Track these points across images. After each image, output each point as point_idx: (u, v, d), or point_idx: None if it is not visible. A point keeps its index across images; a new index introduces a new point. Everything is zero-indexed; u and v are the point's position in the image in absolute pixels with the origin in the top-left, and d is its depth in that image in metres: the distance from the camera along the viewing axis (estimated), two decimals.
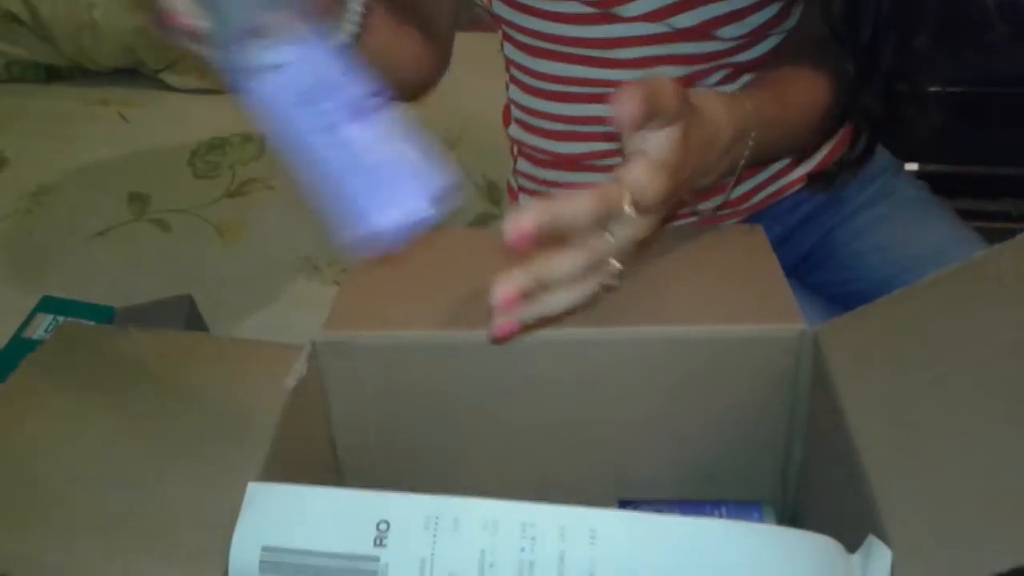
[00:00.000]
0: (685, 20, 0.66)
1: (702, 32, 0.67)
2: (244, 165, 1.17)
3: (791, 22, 0.70)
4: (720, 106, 0.53)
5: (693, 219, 0.72)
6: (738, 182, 0.75)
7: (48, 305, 0.86)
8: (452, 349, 0.53)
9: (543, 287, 0.45)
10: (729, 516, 0.53)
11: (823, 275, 0.79)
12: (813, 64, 0.65)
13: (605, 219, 0.46)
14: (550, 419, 0.54)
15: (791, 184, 0.78)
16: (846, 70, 0.64)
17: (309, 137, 0.46)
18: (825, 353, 0.48)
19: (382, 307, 0.55)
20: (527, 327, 0.48)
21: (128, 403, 0.48)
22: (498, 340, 0.49)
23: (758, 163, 0.66)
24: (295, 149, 0.46)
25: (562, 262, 0.45)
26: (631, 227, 0.48)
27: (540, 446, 0.55)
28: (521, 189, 0.83)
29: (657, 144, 0.48)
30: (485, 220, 1.08)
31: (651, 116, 0.45)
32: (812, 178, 0.77)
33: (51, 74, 1.40)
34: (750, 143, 0.57)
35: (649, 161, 0.47)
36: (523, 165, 0.81)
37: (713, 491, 0.55)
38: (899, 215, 0.79)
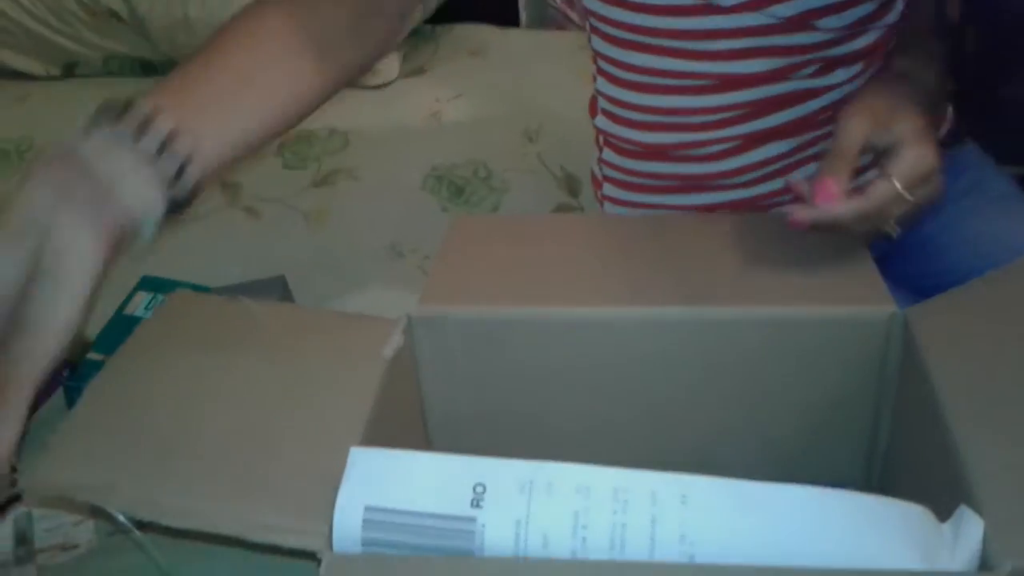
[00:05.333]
0: (786, 10, 0.66)
1: (801, 23, 0.67)
2: (330, 156, 1.21)
3: (892, 17, 0.69)
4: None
5: None
6: None
7: (148, 284, 0.90)
8: (540, 325, 0.54)
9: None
10: None
11: (909, 267, 0.78)
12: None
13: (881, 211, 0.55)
14: (636, 397, 0.55)
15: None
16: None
17: None
18: (916, 335, 0.48)
19: (473, 284, 0.57)
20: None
21: (239, 364, 0.51)
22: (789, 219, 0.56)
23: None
24: None
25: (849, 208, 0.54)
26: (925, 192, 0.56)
27: (626, 424, 0.56)
28: (606, 179, 0.84)
29: (903, 128, 0.56)
30: (563, 210, 1.09)
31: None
32: None
33: (147, 68, 1.46)
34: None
35: (914, 144, 0.55)
36: (609, 155, 0.82)
37: (797, 474, 0.55)
38: (988, 209, 0.78)
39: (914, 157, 0.55)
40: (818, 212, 0.55)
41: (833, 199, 0.54)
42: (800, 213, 0.55)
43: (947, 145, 0.72)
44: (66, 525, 0.63)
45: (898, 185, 0.55)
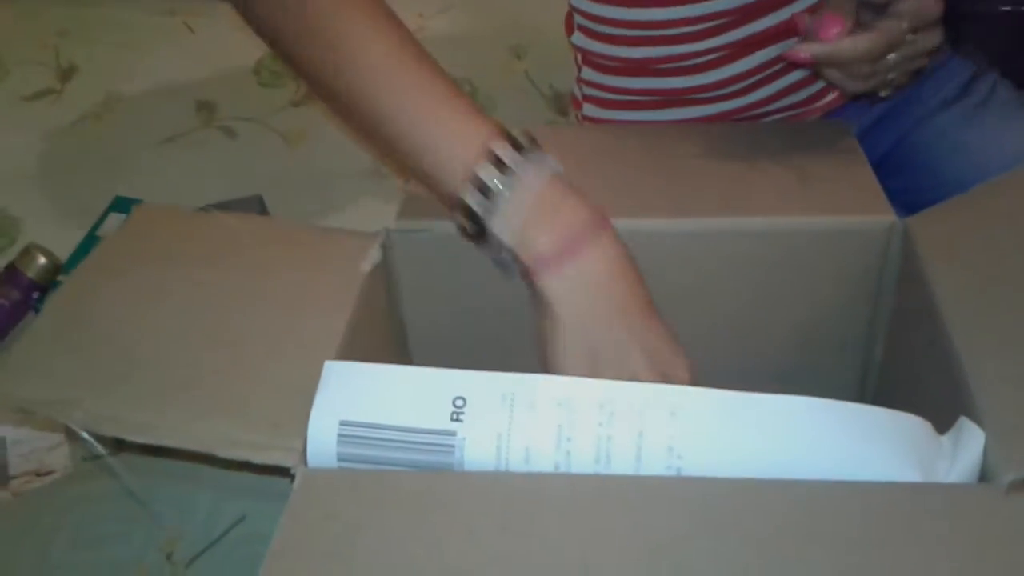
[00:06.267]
0: None
1: None
2: None
3: None
4: None
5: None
6: (807, 83, 0.72)
7: (121, 205, 0.88)
8: None
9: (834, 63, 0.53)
10: None
11: (902, 181, 0.76)
12: None
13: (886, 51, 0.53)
14: None
15: None
16: None
17: None
18: (916, 243, 0.46)
19: None
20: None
21: (210, 277, 0.48)
22: (788, 58, 0.54)
23: None
24: None
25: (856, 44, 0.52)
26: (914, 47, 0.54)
27: None
28: (586, 98, 0.81)
29: None
30: None
31: None
32: None
33: None
34: None
35: None
36: (588, 73, 0.79)
37: (791, 387, 0.54)
38: (981, 116, 0.75)
39: None
40: (819, 47, 0.52)
41: (836, 35, 0.52)
42: (801, 48, 0.53)
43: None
44: (41, 451, 0.62)
45: (904, 24, 0.52)
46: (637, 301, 0.48)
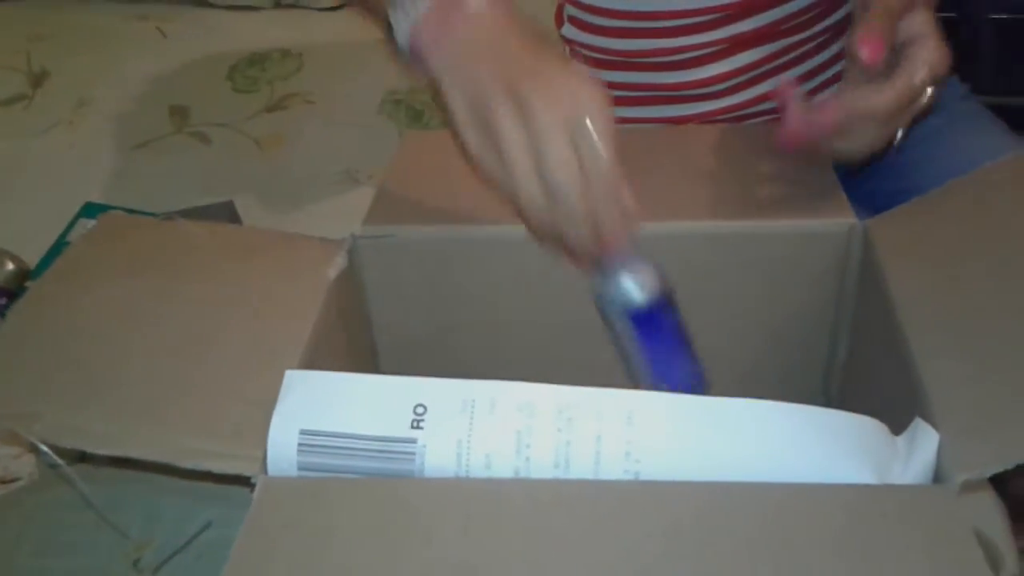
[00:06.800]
0: None
1: None
2: (284, 80, 1.17)
3: None
4: None
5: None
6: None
7: (91, 211, 0.87)
8: (488, 243, 0.52)
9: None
10: None
11: (874, 184, 0.77)
12: None
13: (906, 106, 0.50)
14: (588, 313, 0.54)
15: (834, 78, 0.76)
16: None
17: None
18: (876, 246, 0.47)
19: (420, 203, 0.54)
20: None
21: (173, 286, 0.48)
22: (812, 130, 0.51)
23: None
24: None
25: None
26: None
27: (577, 341, 0.55)
28: None
29: (921, 20, 0.51)
30: None
31: None
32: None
33: None
34: None
35: (934, 36, 0.50)
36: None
37: (756, 387, 0.54)
38: (953, 126, 0.76)
39: (938, 48, 0.51)
40: (850, 104, 0.49)
41: (881, 53, 0.48)
42: (828, 110, 0.49)
43: None
44: (5, 457, 0.62)
45: (927, 74, 0.50)
46: (512, 38, 0.46)
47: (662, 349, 0.49)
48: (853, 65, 0.51)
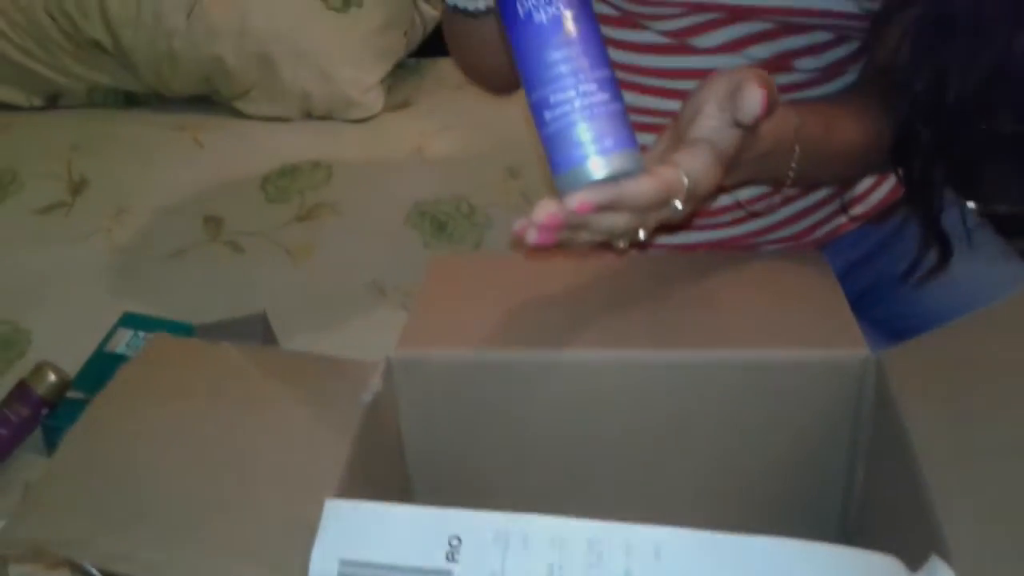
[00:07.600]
0: (762, 51, 0.67)
1: (779, 64, 0.67)
2: (313, 190, 1.21)
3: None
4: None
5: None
6: (803, 216, 0.76)
7: (129, 321, 0.90)
8: (521, 367, 0.55)
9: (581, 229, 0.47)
10: None
11: (884, 310, 0.79)
12: (863, 102, 0.65)
13: (660, 204, 0.47)
14: (613, 441, 0.56)
15: (851, 222, 0.79)
16: (894, 114, 0.64)
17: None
18: (889, 378, 0.49)
19: (453, 326, 0.57)
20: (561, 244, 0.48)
21: (218, 413, 0.51)
22: (536, 247, 0.46)
23: (803, 184, 0.66)
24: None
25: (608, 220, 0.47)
26: (669, 213, 0.48)
27: (603, 467, 0.57)
28: None
29: (728, 138, 0.50)
30: None
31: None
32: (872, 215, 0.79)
33: (130, 100, 1.46)
34: (793, 163, 0.57)
35: (716, 152, 0.49)
36: None
37: (772, 519, 0.56)
38: (967, 253, 0.78)
39: (712, 168, 0.49)
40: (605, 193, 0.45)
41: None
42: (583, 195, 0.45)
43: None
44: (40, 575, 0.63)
45: (685, 180, 0.47)
46: None
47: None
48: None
